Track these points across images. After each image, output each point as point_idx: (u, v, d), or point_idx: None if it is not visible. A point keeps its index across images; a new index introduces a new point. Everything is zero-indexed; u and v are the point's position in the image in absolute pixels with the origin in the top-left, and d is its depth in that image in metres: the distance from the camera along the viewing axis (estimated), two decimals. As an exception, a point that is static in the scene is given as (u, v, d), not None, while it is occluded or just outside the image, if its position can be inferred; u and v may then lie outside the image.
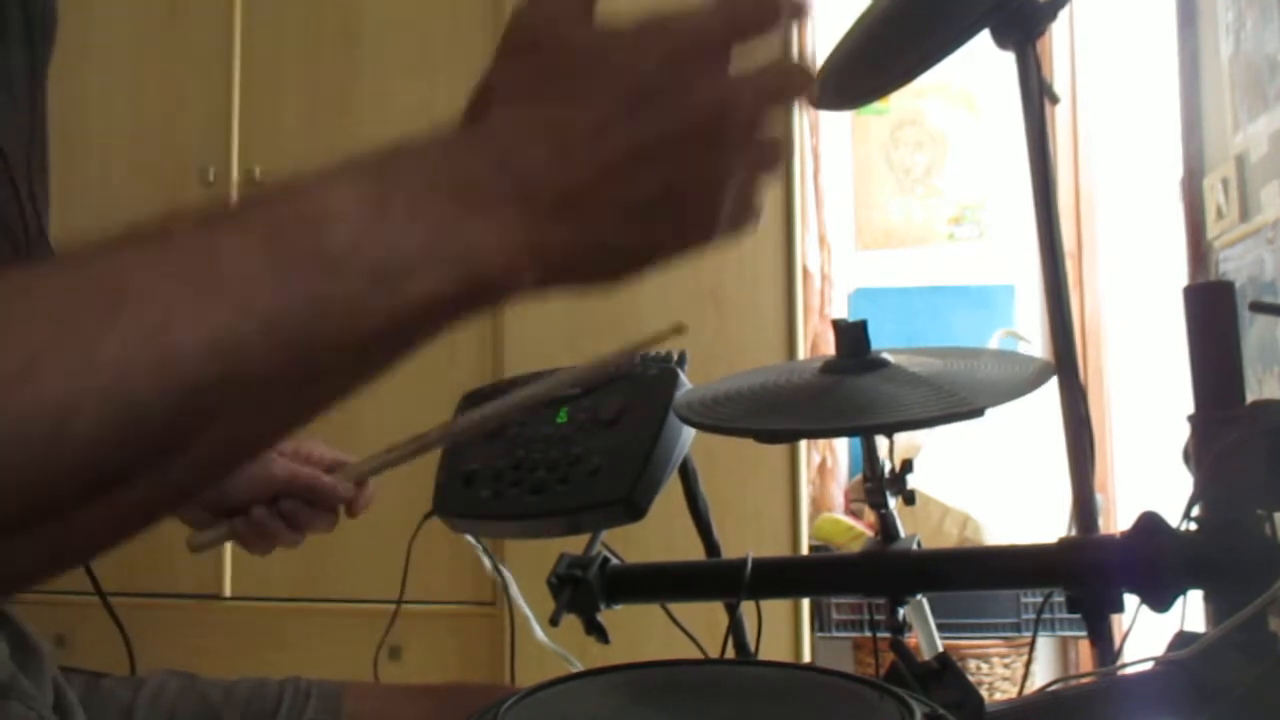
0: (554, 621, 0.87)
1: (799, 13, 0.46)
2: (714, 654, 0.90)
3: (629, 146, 0.44)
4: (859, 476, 3.02)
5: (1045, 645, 2.98)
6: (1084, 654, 2.86)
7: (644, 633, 0.94)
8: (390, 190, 0.43)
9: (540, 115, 0.45)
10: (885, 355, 0.81)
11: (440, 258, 0.42)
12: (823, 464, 2.99)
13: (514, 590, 0.96)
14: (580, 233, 0.45)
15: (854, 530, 2.72)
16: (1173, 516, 0.72)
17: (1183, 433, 0.76)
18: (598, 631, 0.89)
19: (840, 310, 3.12)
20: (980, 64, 2.98)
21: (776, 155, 0.48)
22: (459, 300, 0.44)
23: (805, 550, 2.17)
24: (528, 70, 0.47)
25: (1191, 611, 0.72)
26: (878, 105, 3.24)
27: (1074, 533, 0.92)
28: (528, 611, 0.96)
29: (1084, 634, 0.82)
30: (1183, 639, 0.70)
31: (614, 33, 0.46)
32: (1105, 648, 0.80)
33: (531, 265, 0.44)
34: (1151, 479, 2.61)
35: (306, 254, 0.41)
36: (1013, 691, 2.60)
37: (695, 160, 0.45)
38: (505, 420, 0.86)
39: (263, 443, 0.49)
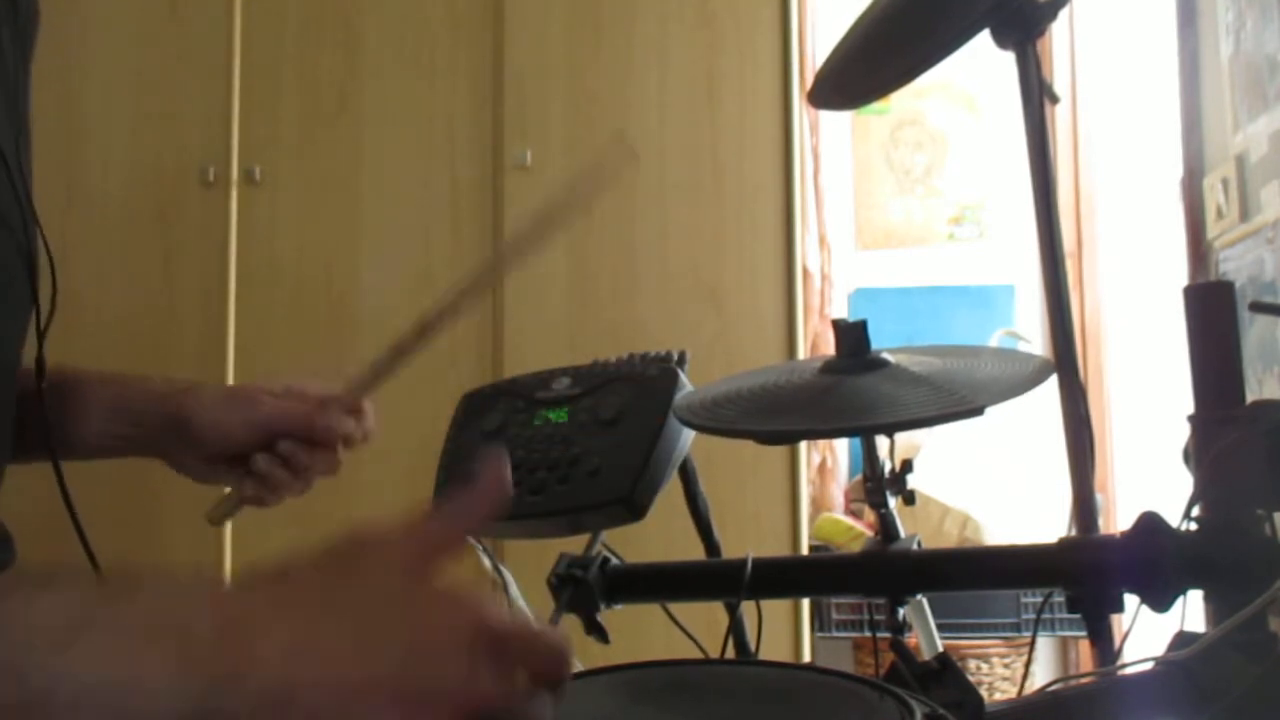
0: (554, 621, 0.87)
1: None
2: (714, 654, 0.90)
3: (362, 682, 0.44)
4: (859, 476, 3.02)
5: (1045, 645, 2.98)
6: (1084, 654, 2.86)
7: (644, 633, 0.94)
8: (88, 620, 0.43)
9: (299, 603, 0.46)
10: (885, 355, 0.81)
11: (109, 693, 0.43)
12: (823, 464, 2.99)
13: (514, 590, 0.96)
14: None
15: (854, 530, 2.72)
16: (1173, 516, 0.72)
17: (1183, 433, 0.76)
18: (598, 631, 0.89)
19: (840, 310, 3.13)
20: (980, 64, 2.98)
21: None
22: None
23: (805, 550, 2.17)
24: (318, 570, 0.48)
25: (1191, 611, 0.71)
26: (878, 105, 3.25)
27: (1074, 533, 0.92)
28: (528, 611, 0.96)
29: (1084, 634, 0.82)
30: (1183, 639, 0.70)
31: (421, 587, 0.47)
32: (1105, 648, 0.80)
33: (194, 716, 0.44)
34: (1151, 479, 2.61)
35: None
36: (1013, 691, 2.60)
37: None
38: (477, 291, 0.82)
39: None
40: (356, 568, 0.47)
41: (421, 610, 0.46)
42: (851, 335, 0.81)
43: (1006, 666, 2.67)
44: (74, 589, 0.45)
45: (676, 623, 0.95)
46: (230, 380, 2.26)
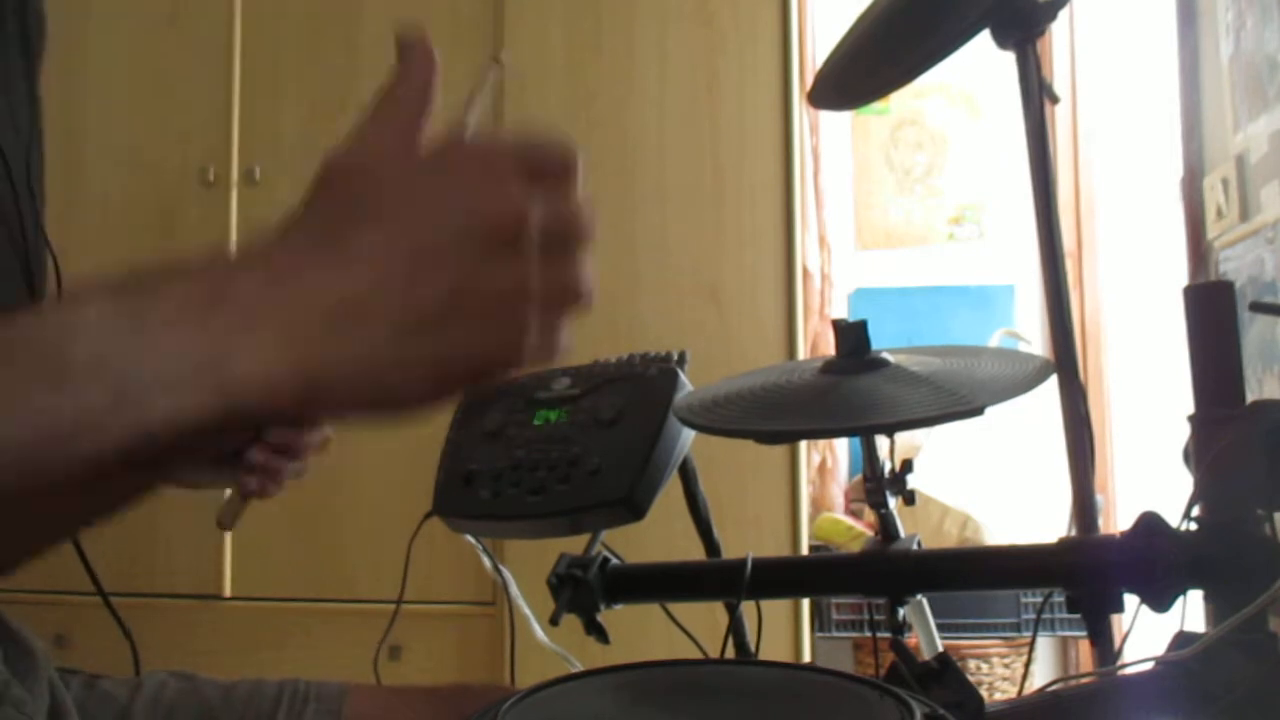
0: (554, 621, 0.87)
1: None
2: (714, 654, 0.90)
3: (411, 249, 0.42)
4: (859, 476, 3.02)
5: (1045, 645, 2.98)
6: (1084, 654, 2.86)
7: (644, 633, 0.94)
8: (147, 306, 0.41)
9: (325, 231, 0.44)
10: (885, 355, 0.81)
11: (190, 378, 0.40)
12: (823, 464, 2.99)
13: (514, 590, 0.96)
14: (356, 352, 0.42)
15: (854, 530, 2.72)
16: (1173, 516, 0.72)
17: (1183, 433, 0.76)
18: (598, 631, 0.89)
19: (840, 310, 3.13)
20: (980, 64, 2.98)
21: (579, 294, 0.47)
22: (208, 424, 0.41)
23: (805, 550, 2.17)
24: (331, 198, 0.46)
25: (1191, 611, 0.71)
26: (878, 105, 3.25)
27: (1074, 533, 0.92)
28: (528, 611, 0.96)
29: (1084, 634, 0.82)
30: (1183, 639, 0.70)
31: (423, 161, 0.45)
32: (1105, 648, 0.80)
33: (297, 391, 0.41)
34: (1151, 479, 2.61)
35: (41, 369, 0.39)
36: (1013, 691, 2.60)
37: (485, 270, 0.43)
38: None
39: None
40: (347, 177, 0.46)
41: (436, 173, 0.44)
42: (851, 335, 0.81)
43: (1006, 666, 2.67)
44: (105, 288, 0.42)
45: (676, 623, 0.95)
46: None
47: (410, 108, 0.48)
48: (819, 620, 2.56)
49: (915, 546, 0.84)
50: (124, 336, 0.40)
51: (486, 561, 0.96)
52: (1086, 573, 0.75)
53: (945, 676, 0.68)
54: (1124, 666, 0.75)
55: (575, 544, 0.90)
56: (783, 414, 0.78)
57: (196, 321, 0.41)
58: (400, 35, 0.49)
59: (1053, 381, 0.83)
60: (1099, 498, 1.27)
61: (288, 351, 0.41)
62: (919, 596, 0.89)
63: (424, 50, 0.49)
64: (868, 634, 2.51)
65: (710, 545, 0.96)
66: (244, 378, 0.40)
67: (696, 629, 0.95)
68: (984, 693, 0.90)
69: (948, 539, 2.58)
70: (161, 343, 0.40)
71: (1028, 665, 2.33)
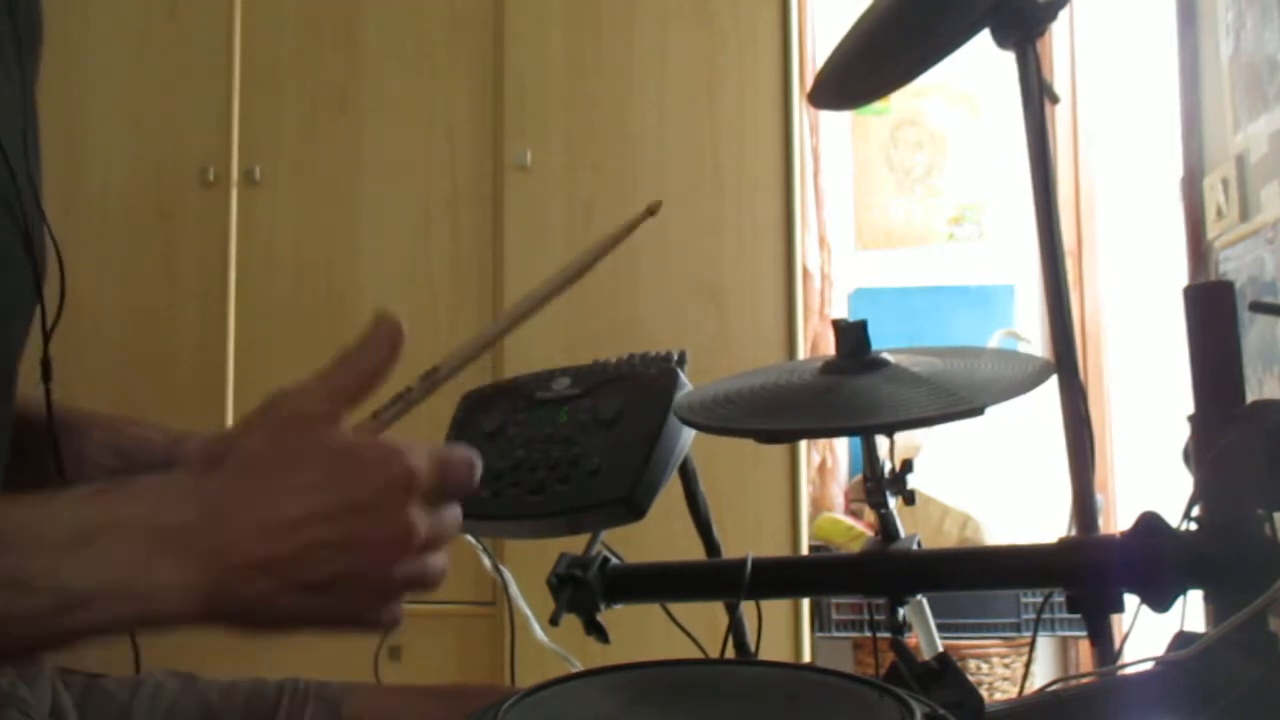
0: (554, 621, 0.87)
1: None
2: (714, 654, 0.90)
3: (326, 541, 0.52)
4: (859, 476, 3.02)
5: (1045, 645, 2.98)
6: (1084, 654, 2.86)
7: (644, 633, 0.94)
8: (97, 527, 0.50)
9: (261, 487, 0.53)
10: (885, 355, 0.81)
11: (121, 594, 0.49)
12: (823, 464, 2.99)
13: (514, 590, 0.96)
14: (257, 595, 0.52)
15: (854, 530, 2.72)
16: (1173, 516, 0.72)
17: (1183, 433, 0.76)
18: (598, 631, 0.89)
19: (840, 310, 3.12)
20: (980, 64, 2.98)
21: (435, 583, 0.57)
22: (127, 627, 0.52)
23: (805, 550, 2.17)
24: (268, 445, 0.54)
25: (1191, 611, 0.71)
26: (878, 105, 3.25)
27: (1074, 533, 0.92)
28: (528, 611, 0.96)
29: (1084, 634, 0.82)
30: (1183, 639, 0.70)
31: (351, 444, 0.55)
32: (1105, 648, 0.80)
33: (205, 610, 0.51)
34: (1151, 479, 2.61)
35: (14, 575, 0.48)
36: (1013, 691, 2.60)
37: (375, 568, 0.54)
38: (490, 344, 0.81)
39: None
40: (287, 432, 0.55)
41: (359, 468, 0.53)
42: (851, 335, 0.81)
43: (1006, 666, 2.67)
44: (68, 501, 0.51)
45: (676, 623, 0.95)
46: (230, 381, 2.26)
47: (355, 382, 0.57)
48: (819, 620, 2.56)
49: (915, 546, 0.84)
50: (67, 556, 0.49)
51: (486, 561, 0.96)
52: (1086, 573, 0.75)
53: (945, 676, 0.68)
54: (1124, 666, 0.75)
55: (575, 544, 0.90)
56: (783, 414, 0.78)
57: (132, 546, 0.50)
58: (378, 315, 0.59)
59: (1053, 381, 0.83)
60: (1099, 498, 1.27)
61: (204, 582, 0.51)
62: (919, 596, 0.89)
63: (392, 334, 0.59)
64: (868, 634, 2.51)
65: (710, 545, 0.96)
66: (165, 597, 0.50)
67: (696, 629, 0.95)
68: (984, 693, 0.90)
69: (948, 539, 2.58)
70: (101, 564, 0.49)
71: (1028, 665, 2.33)
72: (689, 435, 0.86)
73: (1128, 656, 0.76)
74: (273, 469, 0.53)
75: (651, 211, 0.68)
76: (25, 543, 0.49)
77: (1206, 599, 0.72)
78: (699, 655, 0.92)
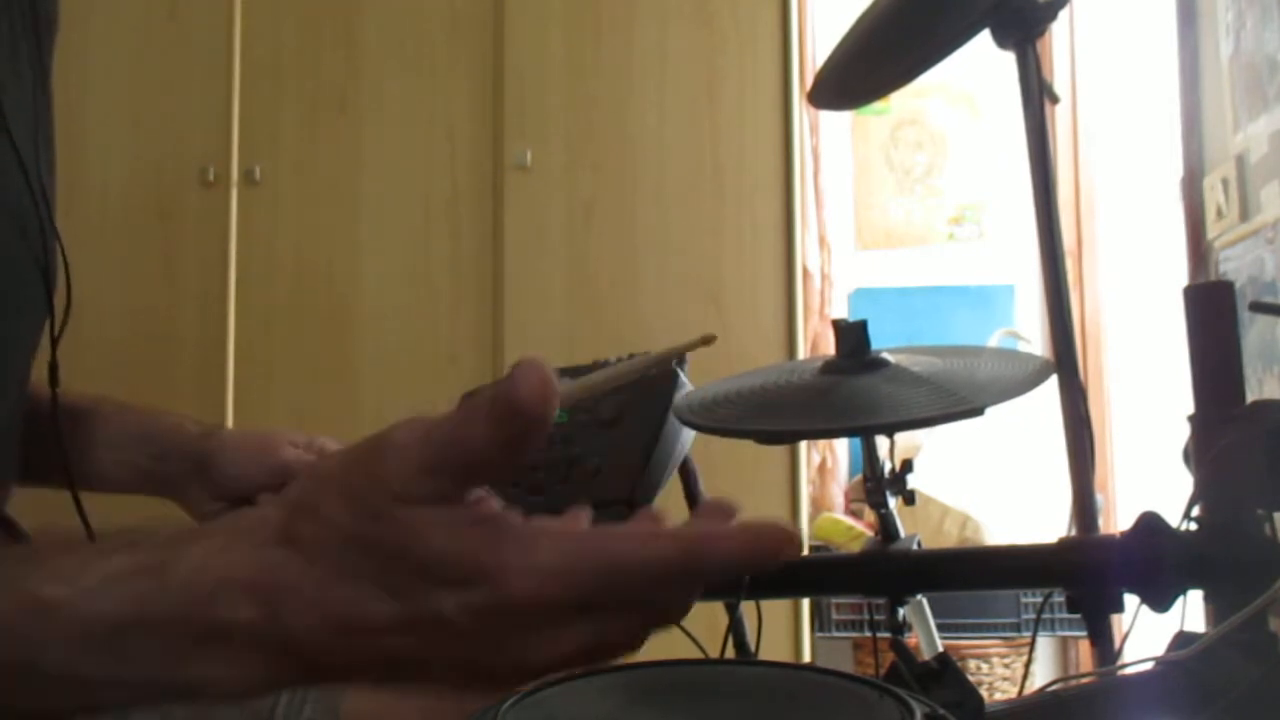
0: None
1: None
2: (714, 654, 0.90)
3: (401, 658, 0.42)
4: (859, 476, 3.02)
5: (1045, 645, 2.98)
6: (1084, 654, 2.86)
7: (644, 633, 0.94)
8: (136, 611, 0.41)
9: (338, 587, 0.41)
10: (885, 355, 0.81)
11: (158, 689, 0.42)
12: (823, 464, 2.99)
13: (514, 590, 0.95)
14: (334, 678, 0.44)
15: (854, 530, 2.72)
16: (1173, 516, 0.72)
17: (1183, 433, 0.76)
18: (598, 631, 0.89)
19: (840, 310, 3.13)
20: (980, 64, 2.98)
21: (629, 646, 0.46)
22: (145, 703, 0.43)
23: (805, 550, 2.17)
24: (358, 525, 0.41)
25: (1191, 611, 0.71)
26: (878, 105, 3.25)
27: (1074, 533, 0.92)
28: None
29: (1084, 634, 0.82)
30: (1183, 639, 0.70)
31: (443, 548, 0.40)
32: (1105, 648, 0.80)
33: (255, 692, 0.42)
34: (1151, 479, 2.61)
35: (22, 668, 0.41)
36: (1013, 691, 2.60)
37: (448, 679, 0.44)
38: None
39: None
40: (375, 505, 0.41)
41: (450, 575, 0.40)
42: (851, 335, 0.81)
43: (1006, 666, 2.67)
44: (98, 577, 0.42)
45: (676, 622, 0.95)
46: (230, 381, 2.26)
47: (464, 460, 0.41)
48: (819, 620, 2.56)
49: (915, 546, 0.84)
50: (99, 651, 0.41)
51: (486, 561, 0.96)
52: (1086, 573, 0.75)
53: (945, 676, 0.68)
54: (1124, 666, 0.75)
55: (575, 544, 0.90)
56: (783, 414, 0.78)
57: (178, 639, 0.41)
58: (525, 363, 0.41)
59: (1053, 381, 0.83)
60: (1099, 498, 1.27)
61: (259, 675, 0.42)
62: (919, 596, 0.89)
63: (544, 391, 0.40)
64: (868, 634, 2.51)
65: (710, 545, 0.96)
66: (213, 687, 0.42)
67: (696, 629, 0.95)
68: (984, 693, 0.89)
69: (948, 539, 2.58)
70: (137, 660, 0.41)
71: (1028, 665, 2.33)
72: (689, 435, 0.86)
73: (1128, 656, 0.76)
74: (355, 554, 0.41)
75: (706, 342, 0.65)
76: (20, 634, 0.41)
77: (1206, 599, 0.72)
78: (699, 655, 0.92)
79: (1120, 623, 0.77)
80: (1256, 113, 2.00)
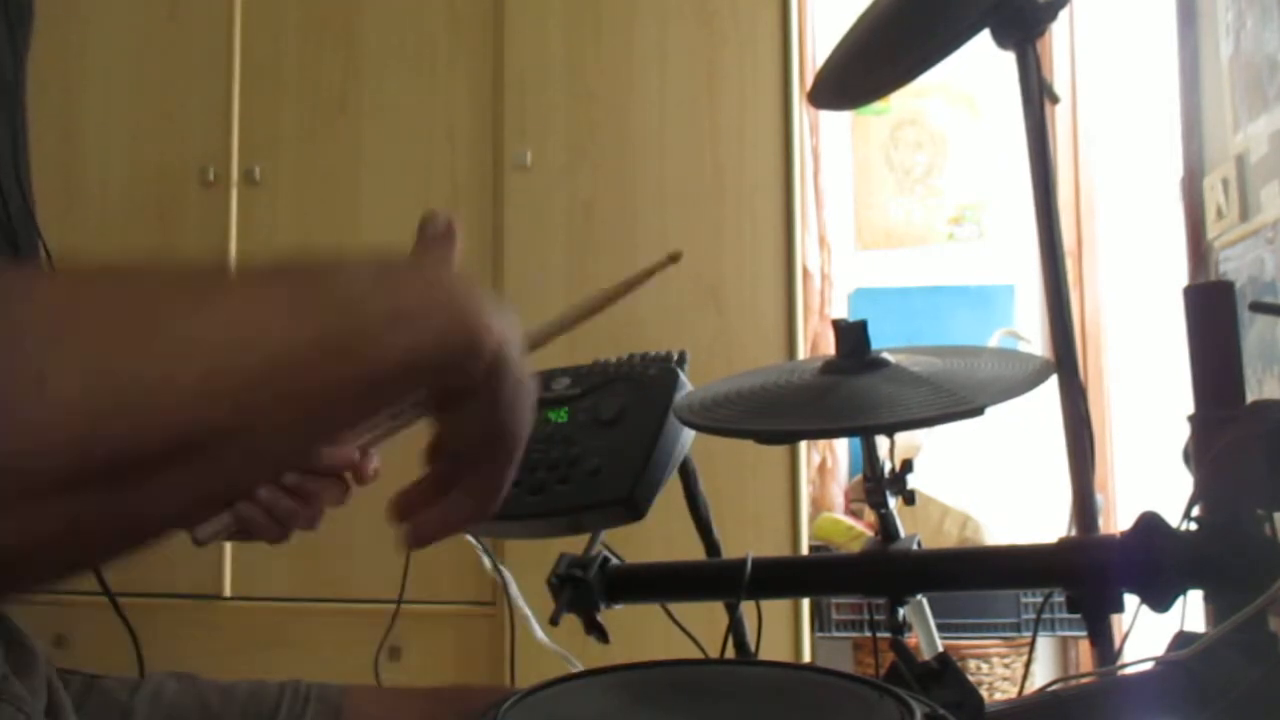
0: (554, 621, 0.87)
1: None
2: (714, 654, 0.90)
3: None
4: (859, 476, 3.02)
5: (1045, 645, 2.98)
6: (1084, 654, 2.86)
7: (644, 633, 0.94)
8: (387, 264, 0.48)
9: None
10: (885, 355, 0.81)
11: (434, 304, 0.47)
12: (823, 464, 2.99)
13: (514, 590, 0.96)
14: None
15: (854, 530, 2.72)
16: (1173, 516, 0.72)
17: (1183, 433, 0.76)
18: (598, 631, 0.89)
19: (840, 310, 3.12)
20: (980, 64, 2.98)
21: None
22: (430, 363, 0.47)
23: (805, 550, 2.17)
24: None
25: (1191, 611, 0.71)
26: (878, 105, 3.24)
27: (1074, 533, 0.92)
28: (528, 611, 0.96)
29: (1084, 634, 0.82)
30: (1183, 639, 0.70)
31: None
32: (1105, 648, 0.81)
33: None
34: (1151, 479, 2.61)
35: (328, 300, 0.44)
36: (1013, 691, 2.60)
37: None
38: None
39: (236, 490, 0.50)
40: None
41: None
42: (851, 335, 0.81)
43: (1006, 666, 2.67)
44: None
45: (676, 623, 0.95)
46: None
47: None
48: (819, 620, 2.56)
49: (915, 546, 0.84)
50: (381, 277, 0.46)
51: (486, 561, 0.96)
52: (1086, 573, 0.75)
53: (945, 676, 0.68)
54: (1124, 666, 0.75)
55: (575, 544, 0.90)
56: (783, 414, 0.78)
57: (425, 281, 0.48)
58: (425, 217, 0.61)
59: (1053, 381, 0.83)
60: (1099, 498, 1.27)
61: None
62: (919, 596, 0.89)
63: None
64: (868, 634, 2.51)
65: (710, 545, 0.96)
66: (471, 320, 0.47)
67: (696, 629, 0.95)
68: (984, 693, 0.90)
69: (948, 539, 2.58)
70: (409, 287, 0.46)
71: (1028, 665, 2.33)
72: (689, 435, 0.86)
73: (1128, 656, 0.76)
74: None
75: (673, 259, 0.69)
76: (318, 275, 0.45)
77: (1206, 599, 0.72)
78: (699, 655, 0.92)
79: (1120, 623, 0.77)
80: (1256, 113, 2.00)
